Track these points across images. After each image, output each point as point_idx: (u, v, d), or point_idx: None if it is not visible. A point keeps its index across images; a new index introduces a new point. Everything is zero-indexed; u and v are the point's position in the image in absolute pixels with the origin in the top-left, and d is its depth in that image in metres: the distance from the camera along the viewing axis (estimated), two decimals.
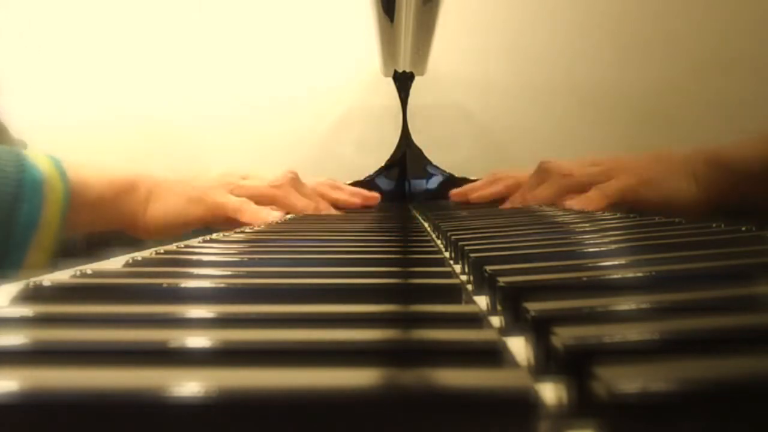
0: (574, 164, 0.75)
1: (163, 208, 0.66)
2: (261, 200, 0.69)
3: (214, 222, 0.68)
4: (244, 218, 0.65)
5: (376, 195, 0.83)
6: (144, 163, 0.88)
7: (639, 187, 0.69)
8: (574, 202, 0.69)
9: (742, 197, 0.66)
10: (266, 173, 0.73)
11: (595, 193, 0.69)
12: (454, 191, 0.88)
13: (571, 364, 0.12)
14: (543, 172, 0.76)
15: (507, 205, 0.76)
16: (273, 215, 0.66)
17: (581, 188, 0.71)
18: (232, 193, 0.68)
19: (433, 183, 1.02)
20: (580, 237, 0.36)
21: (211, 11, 1.10)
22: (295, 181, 0.73)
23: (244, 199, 0.67)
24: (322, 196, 0.76)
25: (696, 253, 0.25)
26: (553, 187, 0.73)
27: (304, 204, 0.71)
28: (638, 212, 0.70)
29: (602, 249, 0.29)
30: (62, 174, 0.54)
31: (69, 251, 0.62)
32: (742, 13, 1.06)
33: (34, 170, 0.52)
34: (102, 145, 1.05)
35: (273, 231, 0.48)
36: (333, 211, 0.74)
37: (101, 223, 0.63)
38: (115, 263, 0.30)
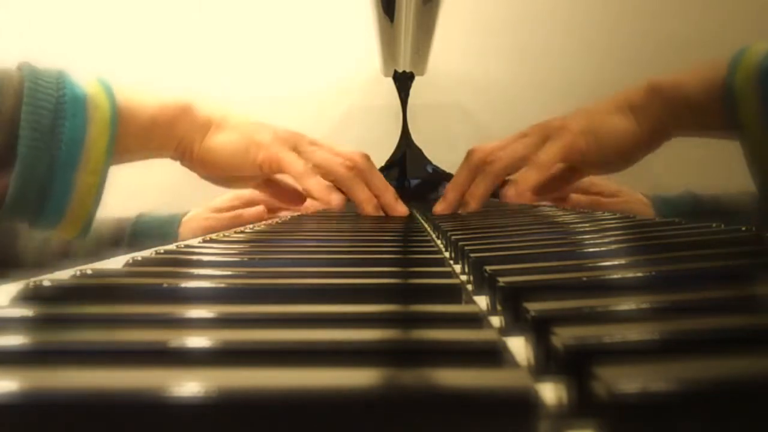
0: (500, 144, 0.66)
1: (223, 141, 0.61)
2: (325, 175, 0.63)
3: (267, 176, 0.63)
4: (307, 186, 0.61)
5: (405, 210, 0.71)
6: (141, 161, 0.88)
7: (575, 141, 0.62)
8: (513, 191, 0.63)
9: (681, 128, 0.62)
10: (337, 147, 0.66)
11: (529, 171, 0.62)
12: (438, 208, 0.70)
13: (571, 364, 0.12)
14: (471, 164, 0.66)
15: (461, 210, 0.67)
16: (336, 200, 0.61)
17: (515, 168, 0.65)
18: (299, 156, 0.62)
19: (433, 183, 1.02)
20: (580, 237, 0.36)
21: (211, 11, 1.10)
22: (366, 168, 0.65)
23: (310, 166, 0.61)
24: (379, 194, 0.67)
25: (696, 253, 0.25)
26: (486, 180, 0.64)
27: (366, 197, 0.64)
28: (586, 169, 0.66)
29: (602, 249, 0.29)
30: (109, 93, 0.51)
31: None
32: (743, 14, 1.06)
33: (75, 88, 0.49)
34: None
35: (273, 231, 0.48)
36: (380, 213, 0.66)
37: (153, 148, 0.59)
38: (115, 263, 0.30)
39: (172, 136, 0.59)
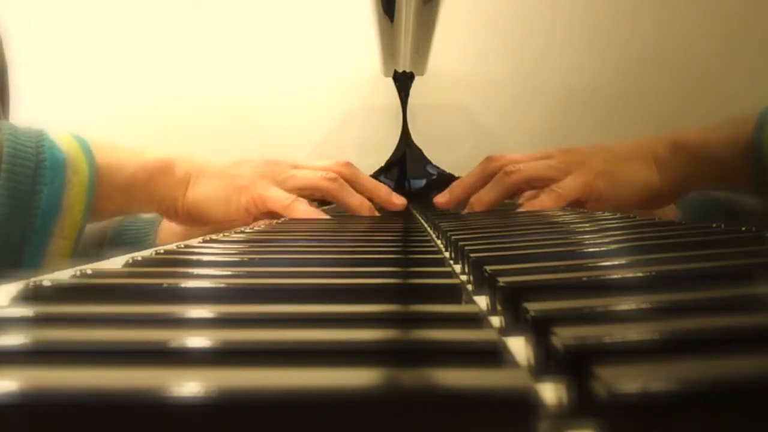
0: (521, 158, 0.67)
1: (205, 193, 0.61)
2: (313, 193, 0.64)
3: (257, 214, 0.64)
4: (291, 215, 0.61)
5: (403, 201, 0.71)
6: None
7: (596, 181, 0.62)
8: (525, 207, 0.63)
9: (704, 183, 0.62)
10: (317, 162, 0.67)
11: (548, 196, 0.62)
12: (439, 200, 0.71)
13: (571, 364, 0.12)
14: (486, 169, 0.67)
15: (465, 210, 0.67)
16: (324, 218, 0.62)
17: (530, 186, 0.65)
18: (281, 185, 0.63)
19: (433, 183, 1.02)
20: (580, 237, 0.36)
21: (211, 11, 1.10)
22: (350, 174, 0.66)
23: (293, 196, 0.62)
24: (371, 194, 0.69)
25: (696, 253, 0.25)
26: (497, 188, 0.65)
27: (358, 202, 0.65)
28: (599, 208, 0.68)
29: (602, 249, 0.29)
30: (88, 155, 0.51)
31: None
32: (744, 13, 1.06)
33: (55, 151, 0.48)
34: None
35: (273, 231, 0.48)
36: (375, 213, 0.67)
37: (134, 206, 0.60)
38: (115, 263, 0.30)
39: (151, 196, 0.59)
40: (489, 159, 0.68)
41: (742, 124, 0.56)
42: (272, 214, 0.65)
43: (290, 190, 0.63)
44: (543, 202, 0.62)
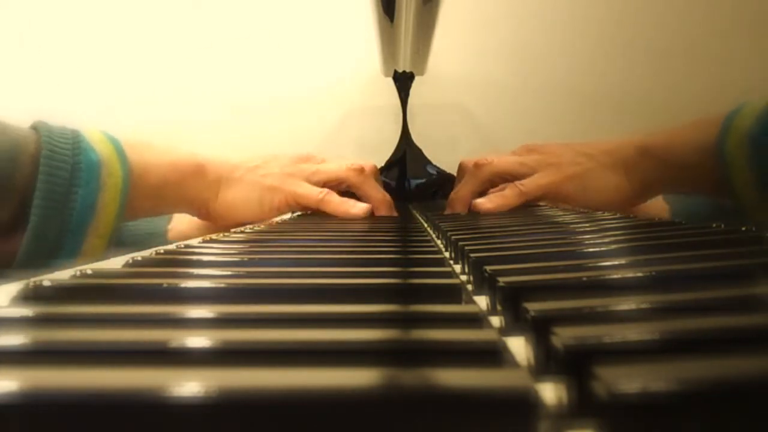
0: (497, 154, 0.70)
1: (237, 195, 0.63)
2: (338, 185, 0.67)
3: (293, 210, 0.66)
4: (328, 209, 0.64)
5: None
6: None
7: (563, 183, 0.65)
8: (486, 200, 0.65)
9: (671, 187, 0.63)
10: (340, 160, 0.70)
11: (511, 191, 0.65)
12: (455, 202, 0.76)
13: (571, 364, 0.12)
14: (463, 166, 0.71)
15: (447, 210, 0.69)
16: (359, 206, 0.64)
17: (502, 180, 0.67)
18: (309, 180, 0.65)
19: (434, 183, 1.02)
20: (579, 237, 0.36)
21: (211, 11, 1.10)
22: (373, 171, 0.69)
23: (326, 190, 0.64)
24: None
25: (696, 253, 0.25)
26: (471, 180, 0.68)
27: (380, 196, 0.68)
28: (568, 208, 0.69)
29: (602, 249, 0.29)
30: (121, 156, 0.52)
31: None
32: (743, 13, 1.06)
33: (90, 153, 0.49)
34: None
35: (273, 231, 0.48)
36: (394, 213, 0.70)
37: (165, 207, 0.61)
38: (115, 263, 0.30)
39: (183, 197, 0.60)
40: (475, 165, 0.70)
41: (707, 128, 0.56)
42: (305, 210, 0.66)
43: (318, 184, 0.65)
44: (505, 195, 0.65)
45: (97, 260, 0.32)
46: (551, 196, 0.66)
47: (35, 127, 0.49)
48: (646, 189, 0.64)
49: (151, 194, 0.56)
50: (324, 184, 0.66)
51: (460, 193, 0.68)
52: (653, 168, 0.62)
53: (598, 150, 0.66)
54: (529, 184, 0.65)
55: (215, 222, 0.65)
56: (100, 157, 0.50)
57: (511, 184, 0.66)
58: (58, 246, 0.47)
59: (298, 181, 0.65)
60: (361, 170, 0.67)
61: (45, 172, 0.46)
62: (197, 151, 0.62)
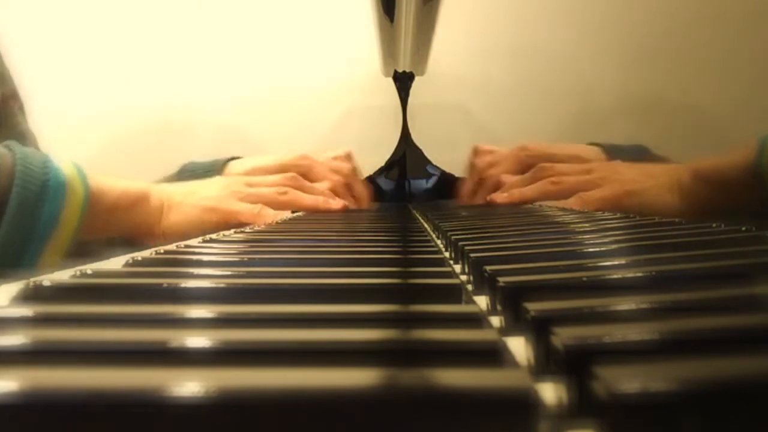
0: (567, 168, 0.75)
1: (178, 218, 0.69)
2: (272, 206, 0.72)
3: (231, 227, 0.69)
4: (261, 222, 0.68)
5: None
6: (141, 157, 0.90)
7: (622, 198, 0.70)
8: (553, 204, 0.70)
9: (719, 207, 0.67)
10: (269, 161, 0.76)
11: (575, 201, 0.70)
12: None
13: (571, 364, 0.12)
14: (533, 168, 0.76)
15: (496, 200, 0.76)
16: (286, 216, 0.68)
17: (568, 194, 0.73)
18: (244, 200, 0.71)
19: (433, 183, 1.02)
20: (580, 237, 0.36)
21: (211, 10, 1.10)
22: (300, 176, 0.75)
23: (260, 205, 0.70)
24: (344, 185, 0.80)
25: (696, 253, 0.25)
26: (541, 191, 0.74)
27: (311, 203, 0.74)
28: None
29: (602, 249, 0.29)
30: (83, 179, 0.58)
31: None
32: (744, 12, 1.06)
33: (58, 172, 0.55)
34: (99, 141, 1.05)
35: (273, 231, 0.48)
36: (343, 204, 0.76)
37: (115, 229, 0.66)
38: (115, 263, 0.30)
39: (130, 221, 0.66)
40: (523, 148, 0.76)
41: (746, 150, 0.61)
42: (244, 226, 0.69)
43: (263, 196, 0.72)
44: (569, 204, 0.70)
45: (97, 260, 0.32)
46: (609, 208, 0.70)
47: (8, 146, 0.55)
48: (695, 211, 0.67)
49: (104, 215, 0.62)
50: (276, 186, 0.73)
51: (528, 195, 0.73)
52: (706, 191, 0.66)
53: (658, 169, 0.71)
54: (590, 197, 0.70)
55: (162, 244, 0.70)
56: (66, 178, 0.56)
57: (576, 196, 0.71)
58: (22, 251, 0.53)
59: (233, 201, 0.70)
60: (285, 192, 0.73)
61: (19, 185, 0.52)
62: (145, 180, 0.70)
